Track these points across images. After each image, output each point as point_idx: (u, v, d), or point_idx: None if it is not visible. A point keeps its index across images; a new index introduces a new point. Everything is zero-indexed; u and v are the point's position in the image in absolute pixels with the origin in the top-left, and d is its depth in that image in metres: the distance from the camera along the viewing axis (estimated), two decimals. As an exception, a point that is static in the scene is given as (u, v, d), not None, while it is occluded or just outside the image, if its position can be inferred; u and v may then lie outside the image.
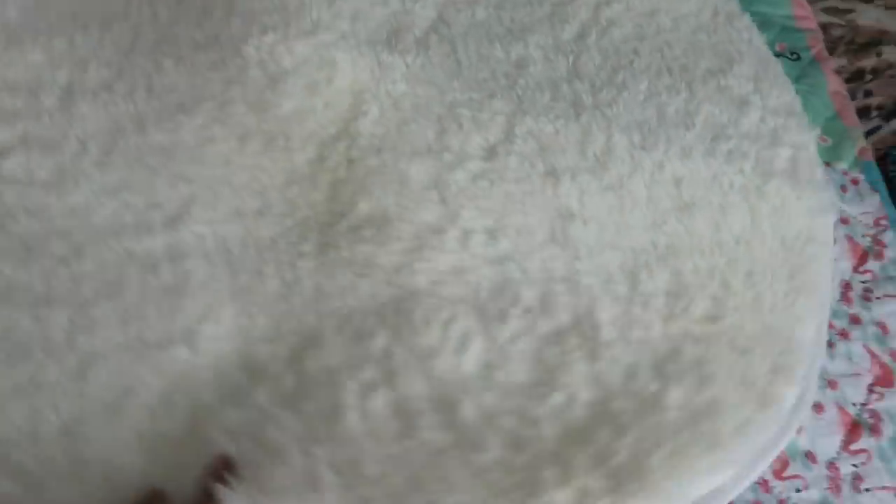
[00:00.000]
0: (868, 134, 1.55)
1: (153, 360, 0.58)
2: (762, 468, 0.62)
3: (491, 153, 0.73)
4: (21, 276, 0.59)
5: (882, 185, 0.87)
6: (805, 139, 0.81)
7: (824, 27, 1.31)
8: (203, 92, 0.71)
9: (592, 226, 0.70)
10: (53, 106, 0.68)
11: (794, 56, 0.99)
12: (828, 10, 1.33)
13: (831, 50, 1.36)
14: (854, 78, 1.43)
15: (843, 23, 1.34)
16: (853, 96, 1.46)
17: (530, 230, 0.69)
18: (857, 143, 0.91)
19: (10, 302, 0.58)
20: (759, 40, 0.90)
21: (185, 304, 0.61)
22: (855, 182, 0.85)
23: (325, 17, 0.78)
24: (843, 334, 0.74)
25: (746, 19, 0.91)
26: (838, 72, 1.41)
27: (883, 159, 1.70)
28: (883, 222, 0.82)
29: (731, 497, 0.60)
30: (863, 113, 1.49)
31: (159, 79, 0.72)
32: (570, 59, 0.82)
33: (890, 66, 1.42)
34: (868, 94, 1.47)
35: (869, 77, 1.44)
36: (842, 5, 1.34)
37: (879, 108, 1.50)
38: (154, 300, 0.61)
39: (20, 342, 0.56)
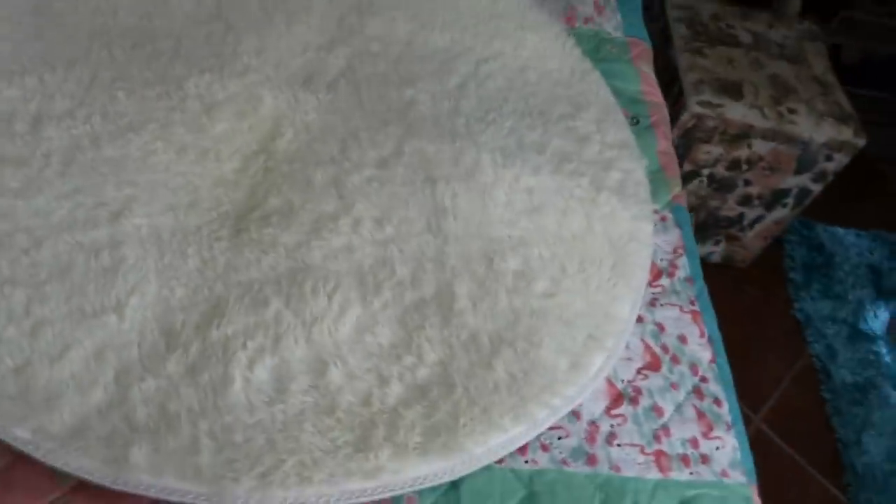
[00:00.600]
0: (754, 223, 1.61)
1: (88, 325, 0.63)
2: (555, 420, 0.67)
3: (383, 163, 0.80)
4: None
5: (686, 224, 0.93)
6: (634, 166, 0.89)
7: (699, 117, 1.40)
8: (149, 116, 0.78)
9: (461, 220, 0.77)
10: (24, 130, 0.74)
11: (634, 121, 1.03)
12: (702, 104, 1.40)
13: (708, 139, 1.43)
14: (732, 167, 1.49)
15: (714, 115, 1.40)
16: (734, 185, 1.52)
17: (410, 221, 0.76)
18: (672, 191, 0.97)
19: None
20: (605, 92, 0.99)
21: (117, 281, 0.66)
22: (663, 219, 0.92)
23: (253, 63, 0.86)
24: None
25: (596, 75, 1.01)
26: (717, 160, 1.47)
27: (776, 244, 1.78)
28: (680, 250, 0.89)
29: (518, 444, 0.66)
30: (746, 201, 1.56)
31: (113, 107, 0.78)
32: (452, 101, 0.90)
33: (761, 157, 1.46)
34: (748, 182, 1.52)
35: (745, 167, 1.49)
36: (713, 100, 1.40)
37: (759, 197, 1.55)
38: (94, 279, 0.66)
39: None
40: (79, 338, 0.61)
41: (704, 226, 1.65)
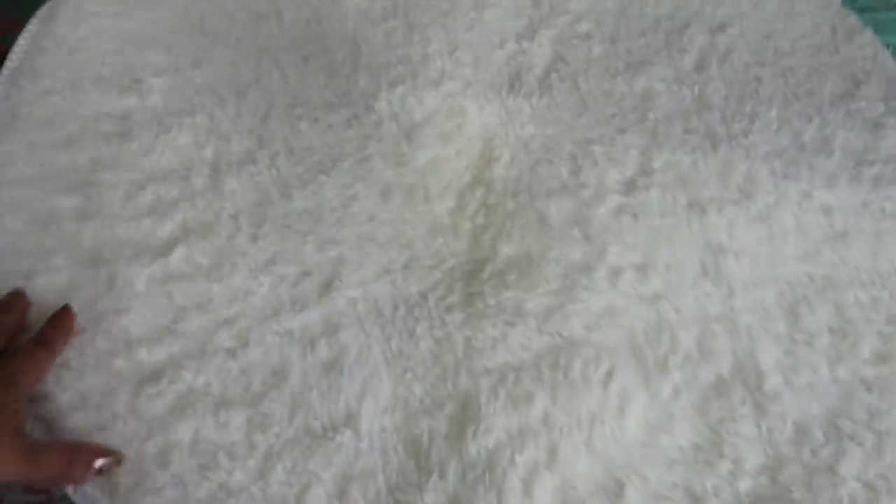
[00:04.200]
0: None
1: (322, 450, 0.49)
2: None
3: (630, 187, 0.62)
4: (200, 380, 0.51)
5: None
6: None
7: None
8: (341, 150, 0.63)
9: (744, 259, 0.59)
10: (205, 186, 0.60)
11: None
12: None
13: None
14: None
15: None
16: None
17: (680, 266, 0.58)
18: None
19: (194, 409, 0.50)
20: (884, 56, 0.76)
21: (343, 382, 0.52)
22: None
23: (448, 67, 0.69)
24: None
25: (868, 35, 0.77)
26: None
27: None
28: None
29: None
30: None
31: (297, 142, 0.64)
32: (696, 89, 0.70)
33: None
34: None
35: None
36: None
37: None
38: (315, 382, 0.52)
39: (208, 450, 0.49)
40: (315, 470, 0.48)
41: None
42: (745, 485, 0.49)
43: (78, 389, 0.49)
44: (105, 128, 0.61)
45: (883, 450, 0.51)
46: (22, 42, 0.65)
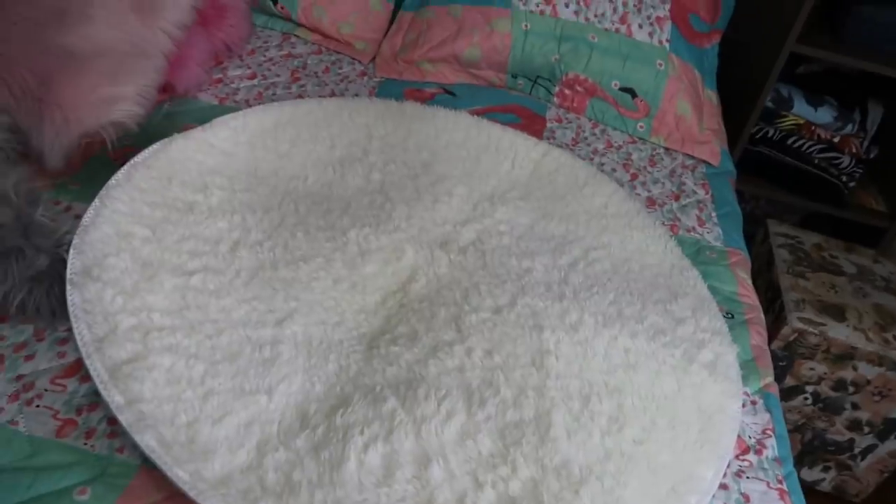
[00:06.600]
0: (866, 452, 1.56)
1: (245, 400, 0.77)
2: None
3: (498, 311, 0.93)
4: (185, 342, 0.81)
5: (778, 411, 0.97)
6: (726, 351, 0.97)
7: (801, 332, 1.44)
8: (318, 252, 0.97)
9: (562, 361, 0.87)
10: (225, 251, 0.94)
11: (729, 315, 1.11)
12: (803, 320, 1.44)
13: (811, 355, 1.46)
14: (838, 387, 1.50)
15: (816, 332, 1.44)
16: (841, 407, 1.51)
17: (517, 356, 0.86)
18: (764, 380, 1.01)
19: (176, 352, 0.79)
20: (702, 287, 1.10)
21: (272, 371, 0.80)
22: (753, 402, 0.96)
23: (402, 225, 1.05)
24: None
25: (695, 272, 1.13)
26: (822, 378, 1.48)
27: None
28: (769, 432, 0.92)
29: None
30: (855, 426, 1.53)
31: (293, 243, 0.98)
32: (562, 273, 1.04)
33: (868, 381, 1.46)
34: (856, 406, 1.51)
35: (851, 389, 1.49)
36: (815, 318, 1.45)
37: (870, 424, 1.53)
38: (255, 366, 0.81)
39: (174, 376, 0.77)
40: (236, 409, 0.75)
41: (811, 447, 1.61)
42: (514, 485, 0.73)
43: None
44: (177, 205, 0.97)
45: (614, 488, 0.74)
46: (146, 151, 1.05)
